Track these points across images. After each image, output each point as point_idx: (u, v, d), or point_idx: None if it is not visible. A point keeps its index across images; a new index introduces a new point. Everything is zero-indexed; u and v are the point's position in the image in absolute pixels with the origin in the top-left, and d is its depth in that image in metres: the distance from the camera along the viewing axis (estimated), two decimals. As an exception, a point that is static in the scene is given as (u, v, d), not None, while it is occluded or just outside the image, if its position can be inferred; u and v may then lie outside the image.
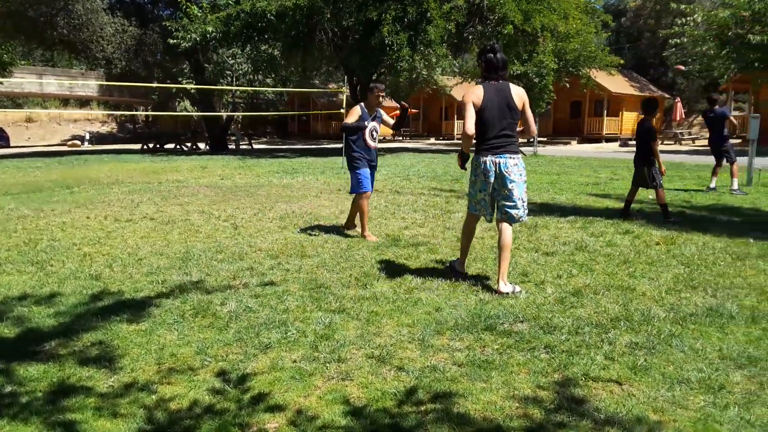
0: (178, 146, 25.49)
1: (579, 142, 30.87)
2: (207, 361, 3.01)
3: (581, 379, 2.76)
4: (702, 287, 4.16)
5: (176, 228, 6.61)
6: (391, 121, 6.12)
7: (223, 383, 2.77)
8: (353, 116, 5.79)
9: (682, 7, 22.27)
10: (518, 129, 4.32)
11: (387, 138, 35.27)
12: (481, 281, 4.32)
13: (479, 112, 4.15)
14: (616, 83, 31.48)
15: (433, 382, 2.74)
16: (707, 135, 10.49)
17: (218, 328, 3.48)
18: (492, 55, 4.16)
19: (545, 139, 30.80)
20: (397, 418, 2.43)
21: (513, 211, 4.18)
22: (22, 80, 28.82)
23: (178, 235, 6.24)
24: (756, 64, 20.01)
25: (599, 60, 25.18)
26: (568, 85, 26.42)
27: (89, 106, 43.31)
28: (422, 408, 2.51)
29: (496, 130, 4.15)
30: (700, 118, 30.23)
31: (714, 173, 9.89)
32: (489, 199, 4.27)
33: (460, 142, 4.44)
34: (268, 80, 29.14)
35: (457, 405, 2.53)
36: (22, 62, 29.19)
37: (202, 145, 26.84)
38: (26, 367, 2.96)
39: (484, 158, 4.18)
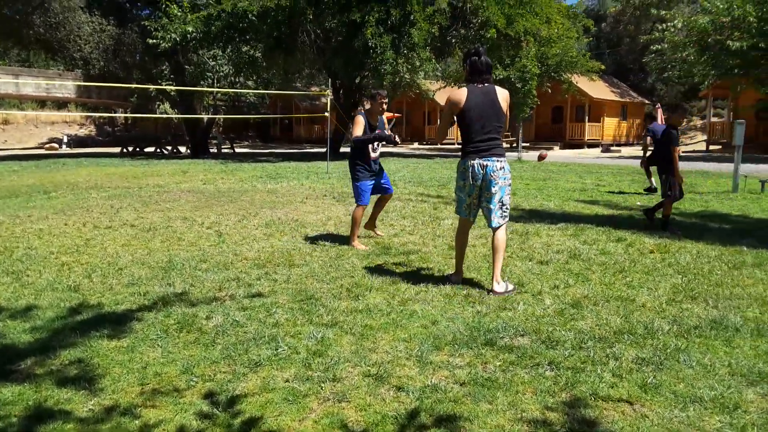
0: (158, 149, 25.04)
1: (561, 148, 31.05)
2: (193, 382, 2.83)
3: (590, 399, 2.63)
4: (702, 298, 4.07)
5: (158, 235, 6.38)
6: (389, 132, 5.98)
7: (211, 406, 2.59)
8: (359, 127, 5.60)
9: (662, 13, 22.48)
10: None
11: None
12: (477, 291, 4.19)
13: (463, 113, 4.14)
14: (597, 89, 31.75)
15: (435, 403, 2.59)
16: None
17: (204, 344, 3.29)
18: (477, 58, 4.16)
19: (528, 144, 30.90)
20: (400, 445, 2.28)
21: (492, 215, 4.20)
22: (-2, 81, 28.19)
23: (160, 243, 6.02)
24: (735, 70, 20.30)
25: (580, 65, 25.39)
26: (549, 91, 26.59)
27: (67, 108, 42.46)
28: (426, 433, 2.36)
29: (482, 133, 4.14)
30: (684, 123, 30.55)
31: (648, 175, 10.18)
32: (476, 201, 4.29)
33: (444, 147, 4.41)
34: (250, 82, 28.78)
35: (463, 430, 2.38)
36: (-2, 62, 28.57)
37: (183, 149, 26.42)
38: (0, 388, 2.76)
39: (472, 161, 4.17)
